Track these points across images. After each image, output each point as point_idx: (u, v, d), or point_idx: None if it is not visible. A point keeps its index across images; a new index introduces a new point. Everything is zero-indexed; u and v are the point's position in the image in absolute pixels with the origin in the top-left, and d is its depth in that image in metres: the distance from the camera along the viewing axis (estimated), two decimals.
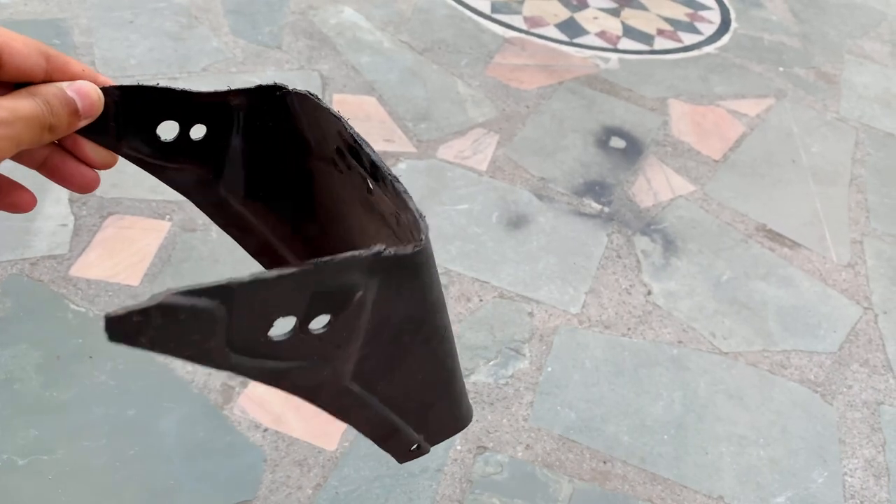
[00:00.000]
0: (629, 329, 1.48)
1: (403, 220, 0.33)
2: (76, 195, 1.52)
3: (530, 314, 1.47)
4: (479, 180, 1.76)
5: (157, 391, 1.23)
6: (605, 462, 1.26)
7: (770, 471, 1.29)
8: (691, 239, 1.72)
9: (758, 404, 1.39)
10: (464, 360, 1.37)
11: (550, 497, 1.20)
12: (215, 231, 1.51)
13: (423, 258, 0.31)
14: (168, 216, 1.52)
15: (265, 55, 2.02)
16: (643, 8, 2.60)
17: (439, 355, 0.37)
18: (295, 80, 1.95)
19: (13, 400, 1.17)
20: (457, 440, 1.25)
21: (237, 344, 0.28)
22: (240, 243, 0.40)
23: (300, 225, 0.39)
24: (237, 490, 1.13)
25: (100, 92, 0.33)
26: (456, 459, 1.22)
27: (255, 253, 0.41)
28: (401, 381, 0.36)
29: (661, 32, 2.47)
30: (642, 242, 1.68)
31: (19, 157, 0.35)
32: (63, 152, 0.35)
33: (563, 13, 2.48)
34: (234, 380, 1.26)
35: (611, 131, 1.99)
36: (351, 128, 0.33)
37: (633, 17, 2.53)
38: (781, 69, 2.39)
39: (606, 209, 1.75)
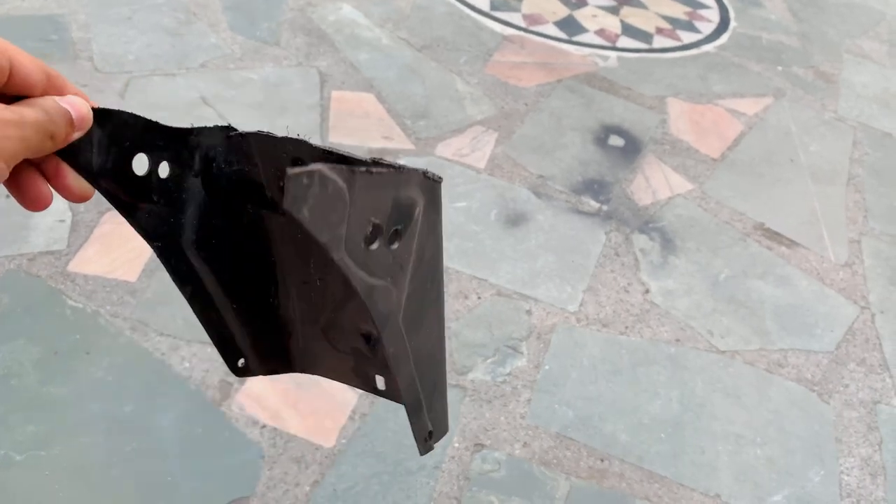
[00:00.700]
0: (627, 327, 1.49)
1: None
2: None
3: (528, 312, 1.47)
4: (477, 178, 1.76)
5: (154, 387, 1.22)
6: (602, 460, 1.26)
7: (767, 469, 1.30)
8: (689, 237, 1.72)
9: (755, 403, 1.40)
10: (462, 358, 1.37)
11: (548, 495, 1.20)
12: None
13: (441, 196, 0.37)
14: None
15: (263, 51, 2.02)
16: (642, 6, 2.60)
17: (441, 325, 0.42)
18: (293, 77, 1.94)
19: (11, 395, 1.17)
20: (454, 437, 1.25)
21: (349, 243, 0.32)
22: (194, 311, 0.41)
23: (251, 286, 0.40)
24: (235, 486, 1.13)
25: (88, 106, 0.34)
26: (453, 457, 1.22)
27: (199, 312, 0.41)
28: (424, 339, 0.40)
29: (660, 31, 2.47)
30: (640, 241, 1.68)
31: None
32: (31, 169, 0.35)
33: (562, 11, 2.48)
34: (232, 376, 1.26)
35: (609, 129, 1.99)
36: (317, 146, 0.35)
37: (632, 15, 2.53)
38: (780, 68, 2.39)
39: (605, 207, 1.75)
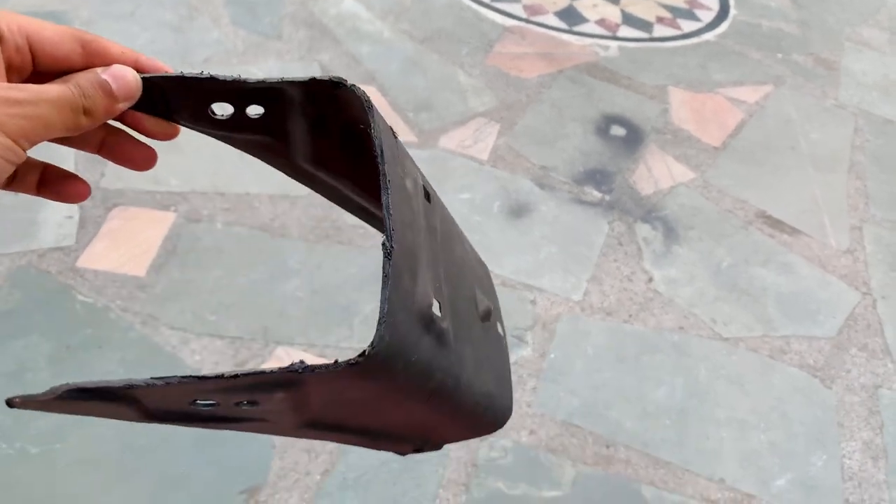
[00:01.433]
0: (631, 316, 1.50)
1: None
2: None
3: (533, 302, 1.49)
4: (480, 169, 1.77)
5: None
6: (607, 447, 1.28)
7: (770, 454, 1.31)
8: (692, 226, 1.73)
9: (758, 389, 1.41)
10: None
11: (554, 481, 1.22)
12: (220, 222, 1.52)
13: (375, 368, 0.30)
14: (173, 207, 1.53)
15: (265, 46, 2.03)
16: None
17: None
18: (295, 71, 1.95)
19: (25, 390, 1.18)
20: None
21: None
22: (330, 200, 0.41)
23: (368, 181, 0.39)
24: (246, 476, 1.15)
25: (135, 74, 0.33)
26: (461, 445, 1.24)
27: (336, 201, 0.41)
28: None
29: (660, 20, 2.48)
30: (643, 230, 1.70)
31: (74, 143, 0.35)
32: (118, 133, 0.35)
33: (563, 1, 2.48)
34: (243, 367, 1.28)
35: (611, 119, 2.00)
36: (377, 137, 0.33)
37: (632, 4, 2.54)
38: (780, 56, 2.39)
39: (607, 197, 1.76)
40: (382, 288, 0.29)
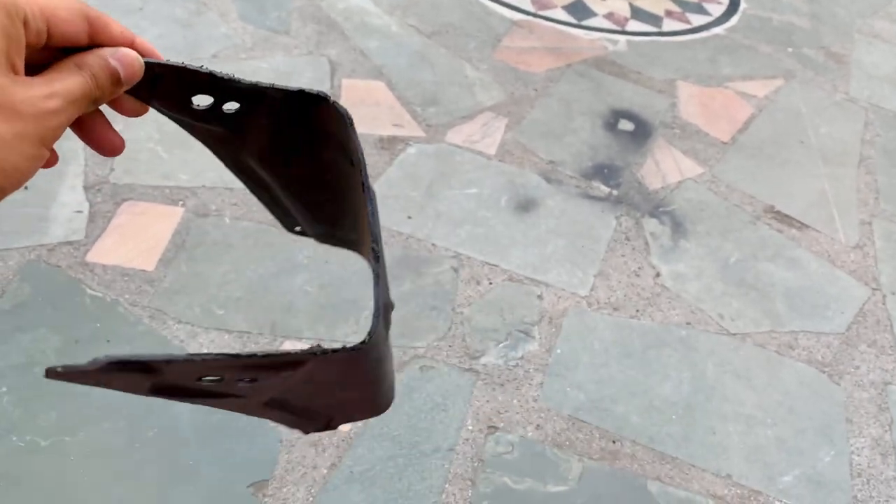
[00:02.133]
0: (638, 311, 1.50)
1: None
2: (91, 182, 1.54)
3: (539, 297, 1.49)
4: (487, 164, 1.77)
5: None
6: (614, 442, 1.28)
7: (777, 450, 1.31)
8: (700, 221, 1.72)
9: (765, 384, 1.41)
10: (474, 342, 1.38)
11: (560, 476, 1.22)
12: (228, 216, 1.53)
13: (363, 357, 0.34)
14: (181, 202, 1.54)
15: (273, 41, 2.03)
16: None
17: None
18: (304, 66, 1.95)
19: (34, 383, 1.20)
20: (468, 420, 1.27)
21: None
22: (250, 190, 0.44)
23: (307, 189, 0.42)
24: (254, 470, 1.15)
25: (141, 60, 0.34)
26: (467, 439, 1.24)
27: (264, 202, 0.45)
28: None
29: (669, 14, 2.46)
30: (651, 225, 1.69)
31: None
32: (95, 115, 0.36)
33: None
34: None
35: (619, 114, 1.99)
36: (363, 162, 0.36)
37: None
38: (790, 50, 2.38)
39: (615, 192, 1.76)
40: (374, 286, 0.33)
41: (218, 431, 1.19)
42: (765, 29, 2.46)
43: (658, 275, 1.58)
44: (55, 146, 0.34)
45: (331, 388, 0.36)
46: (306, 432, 0.44)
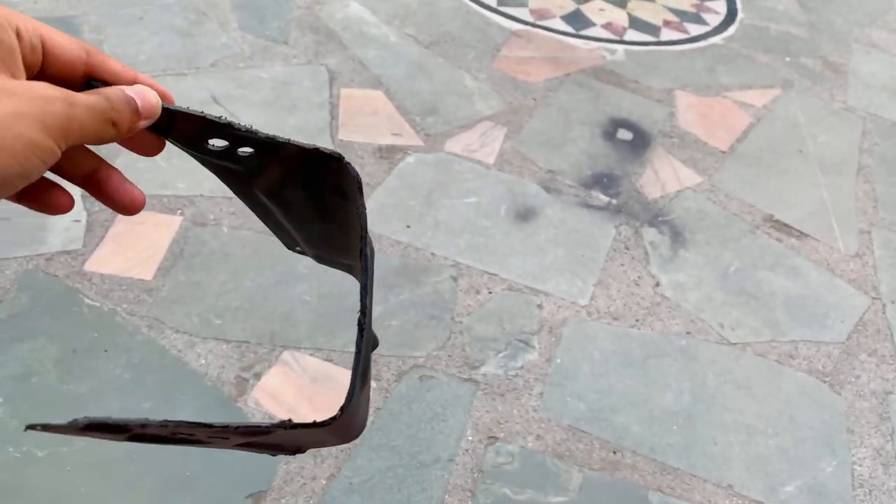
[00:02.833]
0: (637, 320, 1.49)
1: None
2: None
3: (539, 306, 1.48)
4: (486, 173, 1.77)
5: (171, 384, 1.24)
6: (614, 452, 1.27)
7: (779, 460, 1.30)
8: (699, 230, 1.72)
9: (766, 394, 1.40)
10: (474, 352, 1.38)
11: (561, 487, 1.21)
12: (226, 226, 1.53)
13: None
14: (179, 211, 1.53)
15: (272, 50, 2.03)
16: None
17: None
18: (302, 75, 1.96)
19: (32, 393, 1.19)
20: (468, 430, 1.26)
21: None
22: (252, 211, 0.45)
23: (310, 222, 0.44)
24: (252, 481, 1.15)
25: (157, 96, 0.34)
26: (467, 450, 1.23)
27: (265, 223, 0.46)
28: None
29: (667, 23, 2.47)
30: (650, 234, 1.69)
31: (62, 169, 0.35)
32: (111, 169, 0.35)
33: (570, 5, 2.48)
34: (248, 372, 1.28)
35: (618, 123, 1.99)
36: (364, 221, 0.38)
37: (639, 8, 2.53)
38: (788, 59, 2.38)
39: (614, 201, 1.76)
40: (355, 360, 0.34)
41: None
42: (762, 38, 2.47)
43: (658, 284, 1.58)
44: (70, 189, 0.33)
45: (301, 438, 0.38)
46: (274, 456, 0.46)
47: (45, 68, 0.32)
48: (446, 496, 1.17)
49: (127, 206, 0.36)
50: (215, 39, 2.03)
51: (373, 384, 1.30)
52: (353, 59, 2.05)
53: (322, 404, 1.25)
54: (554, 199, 1.73)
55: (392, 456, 1.20)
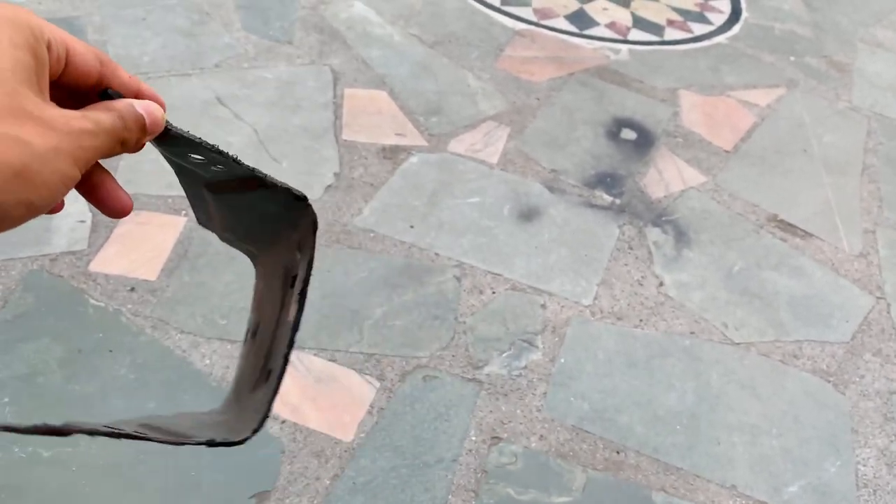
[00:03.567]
0: (641, 320, 1.49)
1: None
2: None
3: (543, 306, 1.49)
4: (490, 173, 1.77)
5: (175, 384, 1.25)
6: (618, 452, 1.27)
7: (783, 460, 1.30)
8: (703, 230, 1.72)
9: (770, 394, 1.40)
10: (477, 352, 1.38)
11: (564, 487, 1.21)
12: None
13: None
14: (184, 211, 1.54)
15: (276, 50, 2.03)
16: None
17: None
18: (306, 75, 1.96)
19: (37, 393, 1.20)
20: (471, 431, 1.26)
21: None
22: (182, 186, 0.47)
23: (240, 218, 0.46)
24: (256, 481, 1.15)
25: (162, 112, 0.35)
26: (471, 450, 1.24)
27: (192, 200, 0.48)
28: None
29: (671, 23, 2.47)
30: (654, 234, 1.69)
31: None
32: (105, 174, 0.36)
33: (573, 4, 2.48)
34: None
35: (621, 123, 1.99)
36: (305, 269, 0.40)
37: (643, 7, 2.53)
38: (793, 58, 2.38)
39: (618, 201, 1.76)
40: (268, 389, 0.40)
41: None
42: (767, 38, 2.46)
43: (661, 284, 1.58)
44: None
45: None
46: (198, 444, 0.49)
47: (62, 76, 0.32)
48: (450, 496, 1.17)
49: (117, 210, 0.36)
50: (219, 40, 2.03)
51: (376, 384, 1.30)
52: (357, 59, 2.05)
53: (326, 404, 1.25)
54: (557, 198, 1.73)
55: (396, 456, 1.21)
